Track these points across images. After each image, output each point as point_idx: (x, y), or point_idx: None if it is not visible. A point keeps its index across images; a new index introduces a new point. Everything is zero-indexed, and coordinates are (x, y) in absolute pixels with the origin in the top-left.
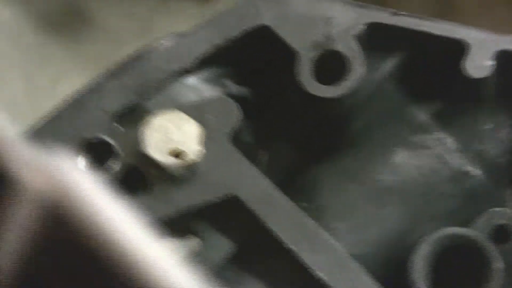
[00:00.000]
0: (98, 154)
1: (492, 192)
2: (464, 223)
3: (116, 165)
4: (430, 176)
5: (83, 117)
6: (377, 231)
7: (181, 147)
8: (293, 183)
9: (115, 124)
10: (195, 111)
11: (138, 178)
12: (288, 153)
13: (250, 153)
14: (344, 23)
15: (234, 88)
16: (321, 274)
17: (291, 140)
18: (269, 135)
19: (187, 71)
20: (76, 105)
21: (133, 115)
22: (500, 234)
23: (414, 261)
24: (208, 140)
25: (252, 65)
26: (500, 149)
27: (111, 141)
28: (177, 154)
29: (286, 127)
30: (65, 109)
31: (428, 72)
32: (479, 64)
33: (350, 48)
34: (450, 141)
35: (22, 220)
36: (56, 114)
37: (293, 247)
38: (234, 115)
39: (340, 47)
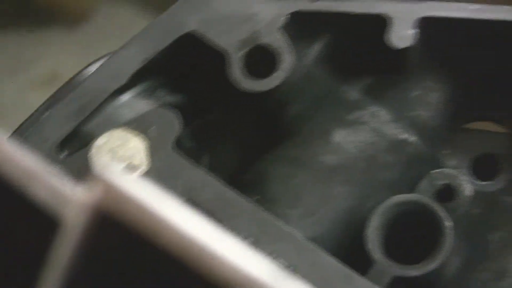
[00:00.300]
0: None
1: (429, 155)
2: (410, 190)
3: None
4: (370, 150)
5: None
6: (328, 211)
7: (131, 162)
8: (242, 179)
9: (58, 153)
10: (137, 126)
11: None
12: (231, 151)
13: (194, 157)
14: (268, 17)
15: (169, 97)
16: (282, 261)
17: (232, 139)
18: (210, 137)
19: (122, 89)
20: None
21: (76, 141)
22: (443, 194)
23: (367, 234)
24: (154, 151)
25: (185, 72)
26: (431, 112)
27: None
28: (128, 170)
29: (225, 126)
30: None
31: (355, 50)
32: (402, 34)
33: (276, 40)
34: (383, 113)
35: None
36: None
37: (251, 239)
38: (174, 124)
39: (267, 40)
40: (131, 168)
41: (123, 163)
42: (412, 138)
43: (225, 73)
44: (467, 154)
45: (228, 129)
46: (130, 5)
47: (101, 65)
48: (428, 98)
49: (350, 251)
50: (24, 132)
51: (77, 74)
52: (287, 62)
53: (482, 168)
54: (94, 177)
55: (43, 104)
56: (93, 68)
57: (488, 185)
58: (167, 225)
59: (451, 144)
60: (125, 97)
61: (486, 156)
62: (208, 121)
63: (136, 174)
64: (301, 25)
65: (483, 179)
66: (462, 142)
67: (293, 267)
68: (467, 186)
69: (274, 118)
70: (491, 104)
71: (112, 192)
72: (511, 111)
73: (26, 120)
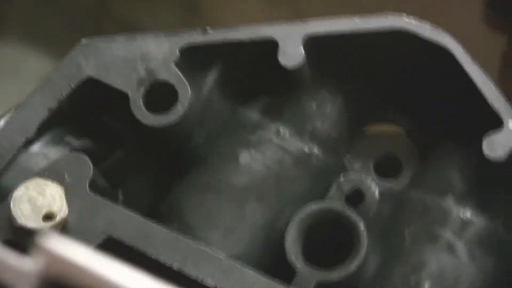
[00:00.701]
0: None
1: (334, 163)
2: (321, 198)
3: None
4: (277, 167)
5: None
6: (246, 229)
7: (50, 209)
8: (158, 210)
9: None
10: (51, 173)
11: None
12: (144, 184)
13: (109, 195)
14: (160, 54)
15: (77, 142)
16: (210, 281)
17: (142, 173)
18: (121, 174)
19: (31, 141)
20: None
21: None
22: (353, 198)
23: (286, 246)
24: (71, 195)
25: (89, 115)
26: (328, 123)
27: None
28: (48, 217)
29: (134, 162)
30: None
31: (248, 74)
32: (291, 54)
33: (172, 76)
34: (284, 130)
35: None
36: None
37: (176, 265)
38: (86, 167)
39: (162, 77)
40: (51, 215)
41: (43, 211)
42: (315, 150)
43: (128, 111)
44: (370, 157)
45: (137, 164)
46: (17, 42)
47: (8, 119)
48: (324, 109)
49: (274, 263)
50: None
51: None
52: (184, 96)
53: (385, 168)
54: (37, 246)
55: None
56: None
57: (393, 184)
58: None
59: (353, 148)
60: (35, 147)
61: (387, 156)
62: (117, 159)
63: (57, 221)
64: (193, 58)
65: (387, 178)
66: (364, 146)
67: (221, 286)
68: (374, 187)
69: (180, 148)
70: (384, 108)
71: (55, 260)
72: (404, 112)
73: None
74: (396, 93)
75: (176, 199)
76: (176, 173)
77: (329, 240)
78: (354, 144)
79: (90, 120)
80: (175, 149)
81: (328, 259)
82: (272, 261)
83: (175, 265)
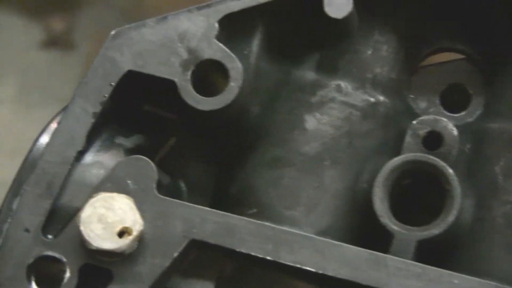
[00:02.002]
0: (47, 274)
1: (402, 107)
2: (397, 148)
3: (67, 274)
4: (345, 125)
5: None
6: (329, 199)
7: (124, 225)
8: (228, 196)
9: (43, 238)
10: (113, 184)
11: (95, 273)
12: (205, 170)
13: (174, 191)
14: (198, 30)
15: (128, 142)
16: (309, 266)
17: (200, 157)
18: (179, 163)
19: (82, 152)
20: None
21: (57, 219)
22: (431, 142)
23: (376, 208)
24: (140, 204)
25: (132, 109)
26: (387, 66)
27: (53, 254)
28: (123, 233)
29: (190, 147)
30: None
31: (293, 32)
32: (339, 3)
33: (216, 51)
34: (344, 84)
35: None
36: None
37: (269, 256)
38: (148, 169)
39: (207, 55)
40: (126, 230)
41: (117, 228)
42: (380, 97)
43: (177, 97)
44: (434, 92)
45: (194, 149)
46: None
47: (53, 134)
48: (380, 53)
49: (362, 229)
50: (2, 226)
51: (30, 151)
52: (235, 71)
53: (452, 102)
54: None
55: (8, 193)
56: (43, 140)
57: (466, 117)
58: None
59: (416, 87)
60: (88, 157)
61: (452, 88)
62: (172, 148)
63: (134, 235)
64: (234, 27)
65: (458, 112)
66: (426, 82)
67: (322, 270)
68: (450, 126)
69: (238, 123)
70: (441, 36)
71: None
72: (464, 37)
73: None
74: (453, 17)
75: (247, 180)
76: (239, 151)
77: (412, 195)
78: (416, 83)
79: (135, 113)
80: (233, 126)
81: (414, 216)
82: (360, 227)
83: (269, 256)
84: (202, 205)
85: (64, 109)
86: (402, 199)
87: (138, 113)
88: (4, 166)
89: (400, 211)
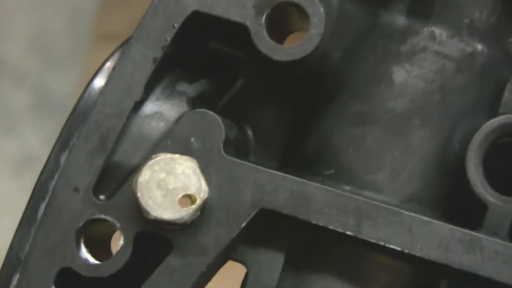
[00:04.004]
0: (99, 236)
1: (502, 57)
2: (493, 105)
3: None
4: (439, 78)
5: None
6: (416, 163)
7: (187, 192)
8: (303, 152)
9: (95, 199)
10: (175, 144)
11: (151, 242)
12: (274, 117)
13: (241, 142)
14: None
15: (191, 89)
16: (394, 244)
17: (271, 101)
18: (246, 105)
19: (140, 102)
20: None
21: (110, 179)
22: None
23: (471, 175)
24: (206, 167)
25: (197, 50)
26: (488, 8)
27: (106, 217)
28: (186, 201)
29: (258, 91)
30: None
31: None
32: None
33: None
34: (439, 31)
35: None
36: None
37: (350, 231)
38: (215, 125)
39: None
40: (189, 197)
41: (179, 195)
42: (478, 46)
43: (249, 41)
44: None
45: (264, 93)
46: None
47: (108, 80)
48: None
49: (453, 198)
50: (48, 183)
51: (81, 96)
52: (317, 17)
53: None
54: None
55: (56, 143)
56: (97, 84)
57: None
58: None
59: None
60: (146, 108)
61: None
62: (239, 91)
63: (198, 204)
64: None
65: None
66: None
67: (408, 249)
68: None
69: (317, 71)
70: None
71: None
72: None
73: (44, 167)
74: None
75: (324, 137)
76: (316, 102)
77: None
78: None
79: (199, 54)
80: (310, 72)
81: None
82: (449, 195)
83: (350, 231)
84: (272, 158)
85: (122, 46)
86: (499, 161)
87: (202, 53)
88: None
89: (496, 175)
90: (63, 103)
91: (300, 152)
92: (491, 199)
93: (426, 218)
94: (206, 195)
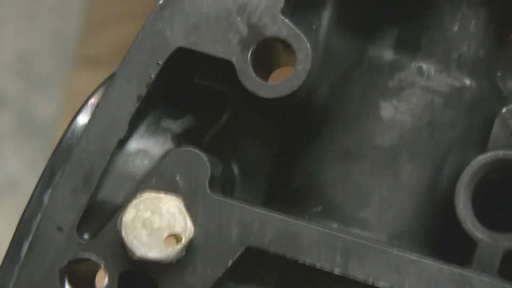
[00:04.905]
0: (83, 275)
1: (488, 90)
2: (483, 139)
3: (106, 280)
4: (426, 114)
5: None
6: (405, 199)
7: (172, 231)
8: (289, 188)
9: (78, 238)
10: (159, 180)
11: (137, 281)
12: (259, 152)
13: (225, 179)
14: (261, 2)
15: (175, 125)
16: (382, 283)
17: (256, 137)
18: (231, 141)
19: (124, 139)
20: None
21: (94, 217)
22: None
23: (460, 211)
24: (191, 205)
25: (181, 86)
26: (476, 43)
27: (90, 256)
28: (171, 240)
29: (244, 125)
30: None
31: (369, 1)
32: None
33: (282, 29)
34: (427, 67)
35: None
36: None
37: (337, 270)
38: (200, 163)
39: (272, 33)
40: (174, 237)
41: (164, 235)
42: (466, 81)
43: (234, 77)
44: None
45: (249, 127)
46: None
47: (92, 117)
48: (468, 28)
49: (442, 235)
50: (31, 222)
51: (65, 133)
52: (303, 53)
53: None
54: None
55: (39, 181)
56: (81, 121)
57: None
58: None
59: (504, 63)
60: (131, 145)
61: None
62: (224, 125)
63: (183, 244)
64: None
65: None
66: None
67: (398, 286)
68: None
69: (304, 107)
70: None
71: None
72: None
73: (28, 205)
74: None
75: (311, 173)
76: (303, 137)
77: (500, 191)
78: (504, 58)
79: (183, 90)
80: (296, 107)
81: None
82: (438, 231)
83: (337, 270)
84: (258, 194)
85: (106, 83)
86: (487, 196)
87: (187, 89)
88: None
89: (484, 210)
90: (45, 127)
91: (287, 188)
92: (480, 236)
93: (414, 257)
94: (191, 234)
